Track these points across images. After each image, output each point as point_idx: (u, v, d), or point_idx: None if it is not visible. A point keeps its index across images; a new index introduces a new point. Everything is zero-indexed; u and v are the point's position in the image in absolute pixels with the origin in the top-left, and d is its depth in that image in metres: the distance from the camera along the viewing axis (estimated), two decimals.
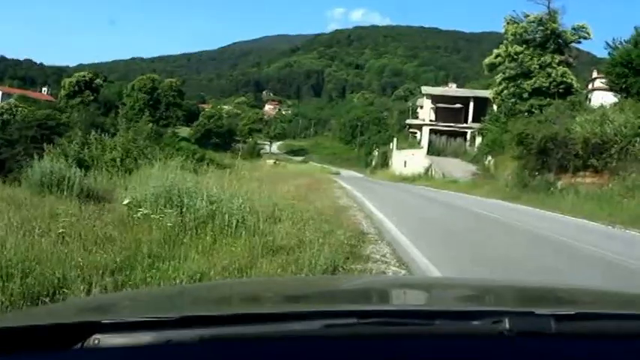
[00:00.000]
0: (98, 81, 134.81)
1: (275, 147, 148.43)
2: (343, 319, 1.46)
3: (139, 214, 8.91)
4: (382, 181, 52.83)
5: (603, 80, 58.93)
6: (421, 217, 16.36)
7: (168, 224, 8.39)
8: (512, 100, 42.17)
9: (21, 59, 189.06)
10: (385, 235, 11.30)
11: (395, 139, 67.84)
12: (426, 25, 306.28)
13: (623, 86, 31.44)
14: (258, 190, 13.97)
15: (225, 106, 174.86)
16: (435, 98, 61.16)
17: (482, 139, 47.54)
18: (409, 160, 54.90)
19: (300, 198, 15.27)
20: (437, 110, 61.87)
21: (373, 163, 77.95)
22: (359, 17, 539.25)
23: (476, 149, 48.83)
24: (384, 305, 2.01)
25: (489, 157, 43.13)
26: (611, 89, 34.18)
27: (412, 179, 47.61)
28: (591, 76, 63.13)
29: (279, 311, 1.65)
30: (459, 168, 44.33)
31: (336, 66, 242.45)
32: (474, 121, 56.00)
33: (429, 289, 2.57)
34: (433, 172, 47.19)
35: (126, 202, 9.82)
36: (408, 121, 67.48)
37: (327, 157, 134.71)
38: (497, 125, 48.07)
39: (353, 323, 1.42)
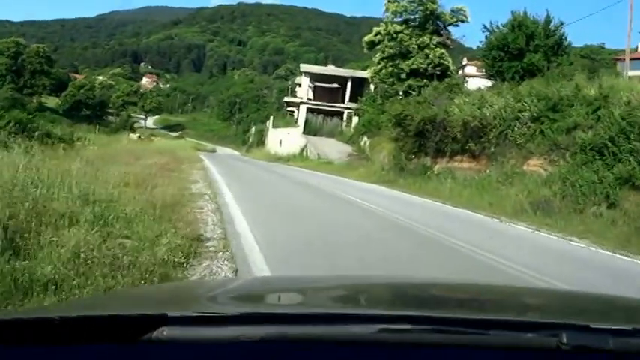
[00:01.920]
0: None
1: (151, 122, 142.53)
2: (398, 324, 1.42)
3: None
4: (256, 160, 50.07)
5: (473, 68, 59.57)
6: (285, 209, 13.49)
7: None
8: (390, 80, 40.53)
9: None
10: (232, 243, 8.26)
11: (271, 118, 65.05)
12: (309, 7, 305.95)
13: (499, 70, 30.35)
14: (83, 173, 10.83)
15: (99, 77, 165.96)
16: (313, 76, 58.67)
17: (359, 120, 45.75)
18: (285, 140, 52.24)
19: (138, 183, 12.07)
20: (315, 89, 59.62)
21: (250, 141, 74.78)
22: None
23: (352, 130, 46.93)
24: (437, 311, 1.82)
25: (365, 139, 41.41)
26: (486, 73, 33.11)
27: (287, 159, 45.13)
28: (462, 62, 63.47)
29: (340, 312, 1.66)
30: (334, 149, 42.24)
31: (218, 42, 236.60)
32: (351, 100, 54.25)
33: (480, 295, 2.45)
34: (308, 153, 44.81)
35: None
36: (286, 99, 64.62)
37: (205, 133, 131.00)
38: (373, 106, 46.63)
39: (408, 329, 1.39)
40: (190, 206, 11.14)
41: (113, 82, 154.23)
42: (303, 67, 60.35)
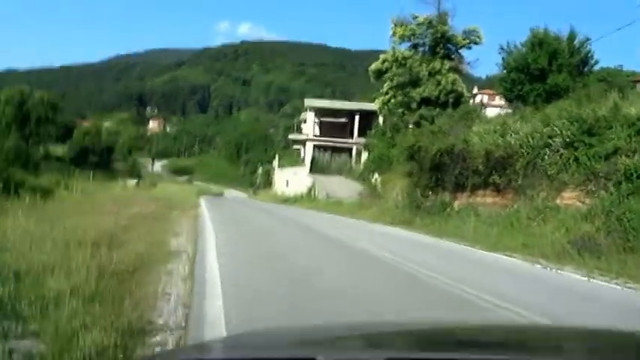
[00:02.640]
0: None
1: (159, 166, 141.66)
2: None
3: None
4: (261, 203, 47.84)
5: (485, 97, 57.38)
6: (283, 271, 10.18)
7: None
8: (400, 110, 38.29)
9: None
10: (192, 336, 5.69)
11: (277, 157, 62.95)
12: (314, 42, 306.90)
13: (519, 94, 28.14)
14: (23, 232, 8.66)
15: (106, 123, 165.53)
16: (318, 112, 56.62)
17: (369, 155, 43.56)
18: (291, 179, 50.11)
19: (99, 241, 9.78)
20: (321, 124, 57.53)
21: (257, 182, 72.78)
22: (246, 31, 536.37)
23: (362, 166, 44.65)
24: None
25: (376, 175, 39.15)
26: (504, 98, 30.88)
27: (294, 200, 42.86)
28: (472, 92, 61.25)
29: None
30: (344, 187, 39.96)
31: (222, 81, 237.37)
32: (360, 135, 52.15)
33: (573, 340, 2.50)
34: (317, 192, 42.51)
35: None
36: (292, 136, 62.26)
37: (213, 176, 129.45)
38: (383, 140, 44.57)
39: None
40: (156, 271, 8.75)
41: (119, 128, 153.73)
42: (308, 102, 58.19)
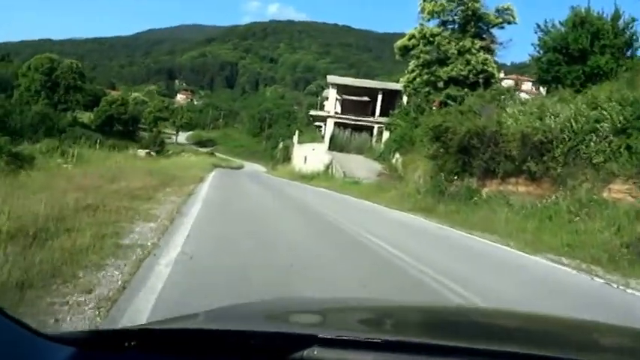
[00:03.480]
0: None
1: (183, 137, 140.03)
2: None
3: None
4: (278, 178, 45.20)
5: (511, 82, 54.02)
6: (262, 277, 6.92)
7: None
8: (426, 89, 35.22)
9: None
10: None
11: (297, 132, 60.02)
12: (340, 23, 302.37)
13: (556, 75, 25.08)
14: None
15: (135, 94, 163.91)
16: (341, 89, 53.56)
17: (390, 135, 40.59)
18: (310, 156, 47.28)
19: (30, 230, 7.04)
20: (343, 102, 54.54)
21: (276, 157, 70.03)
22: (274, 11, 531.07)
23: (382, 145, 41.64)
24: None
25: (397, 156, 36.31)
26: (540, 80, 27.78)
27: (311, 177, 40.10)
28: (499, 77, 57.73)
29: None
30: (363, 166, 37.16)
31: (250, 58, 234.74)
32: (382, 115, 49.15)
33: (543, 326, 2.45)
34: (334, 170, 39.69)
35: None
36: (312, 113, 59.18)
37: (235, 149, 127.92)
38: (406, 119, 41.74)
39: None
40: (79, 281, 5.93)
41: (147, 99, 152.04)
42: (331, 78, 55.11)
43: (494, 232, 15.03)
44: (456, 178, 23.11)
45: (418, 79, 35.43)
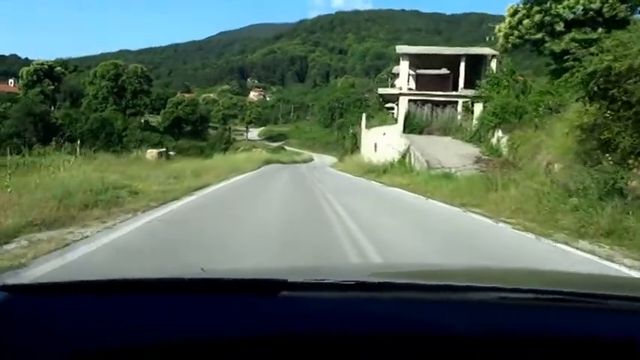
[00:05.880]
0: (59, 69, 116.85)
1: (255, 133, 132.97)
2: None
3: None
4: (342, 173, 34.67)
5: None
6: None
7: None
8: (539, 35, 23.30)
9: (7, 54, 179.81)
10: None
11: (363, 116, 48.64)
12: (407, 8, 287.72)
13: None
14: None
15: (210, 94, 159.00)
16: (414, 60, 41.81)
17: (485, 107, 28.83)
18: (380, 142, 36.06)
19: None
20: (417, 78, 42.93)
21: (345, 146, 58.96)
22: (340, 3, 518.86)
23: (476, 122, 29.42)
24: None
25: (498, 133, 25.00)
26: None
27: (382, 170, 28.67)
28: None
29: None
30: (452, 151, 25.49)
31: (319, 51, 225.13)
32: (466, 87, 37.57)
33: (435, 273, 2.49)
34: (412, 159, 27.80)
35: None
36: (381, 91, 46.91)
37: (307, 142, 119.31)
38: (499, 89, 30.54)
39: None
40: None
41: (217, 98, 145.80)
42: (400, 48, 43.31)
43: None
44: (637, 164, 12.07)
45: (527, 22, 23.57)
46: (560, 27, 21.68)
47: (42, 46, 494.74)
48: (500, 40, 25.82)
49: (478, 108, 30.38)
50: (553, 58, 22.74)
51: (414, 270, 2.65)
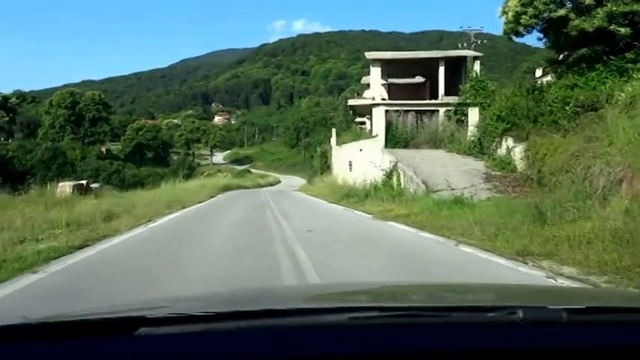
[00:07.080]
0: (14, 100, 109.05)
1: (220, 157, 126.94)
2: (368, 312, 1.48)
3: None
4: (312, 198, 28.76)
5: None
6: None
7: None
8: (560, 13, 17.36)
9: None
10: None
11: (333, 132, 42.71)
12: (367, 29, 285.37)
13: None
14: None
15: (174, 120, 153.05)
16: (386, 67, 36.22)
17: (484, 112, 23.02)
18: (356, 159, 30.05)
19: None
20: (390, 88, 37.53)
21: (314, 167, 52.93)
22: (300, 27, 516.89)
23: (472, 130, 23.19)
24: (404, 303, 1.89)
25: (508, 142, 19.35)
26: None
27: (363, 194, 22.45)
28: None
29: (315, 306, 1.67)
30: (451, 168, 19.36)
31: (282, 74, 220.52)
32: (448, 94, 32.09)
33: (445, 291, 2.43)
34: (403, 179, 21.34)
35: None
36: (352, 102, 39.98)
37: (273, 163, 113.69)
38: (483, 95, 25.39)
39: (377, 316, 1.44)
40: None
41: (180, 123, 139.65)
42: (370, 54, 37.54)
43: None
44: None
45: (531, 10, 17.82)
46: (589, 0, 16.21)
47: (1, 79, 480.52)
48: (508, 19, 19.59)
49: (473, 114, 24.77)
50: (579, 42, 17.21)
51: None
